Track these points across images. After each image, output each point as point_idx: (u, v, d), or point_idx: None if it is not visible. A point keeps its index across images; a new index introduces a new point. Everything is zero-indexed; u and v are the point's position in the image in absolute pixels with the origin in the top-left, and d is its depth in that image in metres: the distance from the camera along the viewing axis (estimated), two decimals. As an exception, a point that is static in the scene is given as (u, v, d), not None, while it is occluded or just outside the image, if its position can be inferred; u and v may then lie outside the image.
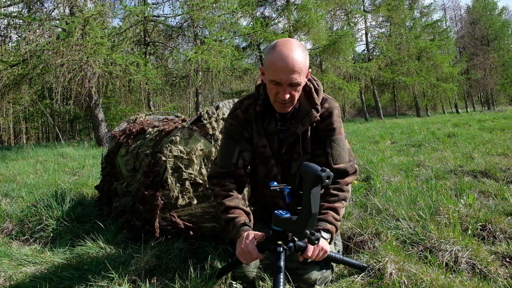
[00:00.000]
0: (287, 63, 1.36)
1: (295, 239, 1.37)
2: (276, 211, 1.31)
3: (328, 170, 1.14)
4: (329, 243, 1.49)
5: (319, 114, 1.54)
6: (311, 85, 1.57)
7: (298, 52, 1.39)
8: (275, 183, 1.39)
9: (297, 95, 1.48)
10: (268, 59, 1.42)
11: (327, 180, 1.13)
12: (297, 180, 1.28)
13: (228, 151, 1.59)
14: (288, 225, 1.29)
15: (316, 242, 1.28)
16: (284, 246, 1.34)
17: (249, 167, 1.63)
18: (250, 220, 1.51)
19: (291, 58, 1.37)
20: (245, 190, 1.92)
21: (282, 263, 1.30)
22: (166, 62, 13.58)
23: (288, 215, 1.29)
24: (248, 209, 1.56)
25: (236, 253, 1.41)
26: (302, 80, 1.44)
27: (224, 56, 10.42)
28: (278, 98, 1.46)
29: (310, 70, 1.50)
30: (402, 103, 31.79)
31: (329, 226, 1.47)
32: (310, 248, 1.38)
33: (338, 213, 1.51)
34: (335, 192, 1.54)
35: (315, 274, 1.48)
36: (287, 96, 1.43)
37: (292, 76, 1.38)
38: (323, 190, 1.53)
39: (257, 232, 1.40)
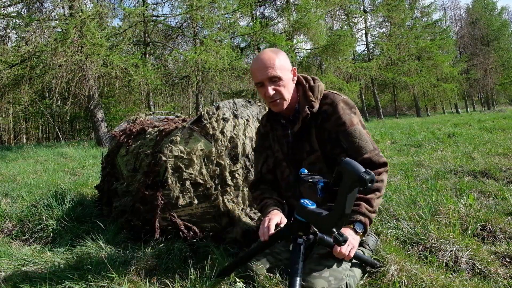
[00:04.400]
0: (259, 62, 1.52)
1: (317, 231, 1.32)
2: (302, 200, 1.25)
3: (372, 173, 1.07)
4: (362, 236, 1.46)
5: (323, 110, 1.56)
6: (307, 84, 1.62)
7: (269, 53, 1.53)
8: (306, 170, 1.33)
9: (284, 91, 1.53)
10: (250, 70, 1.58)
11: (369, 184, 1.07)
12: (334, 175, 1.20)
13: (255, 162, 1.81)
14: (313, 218, 1.23)
15: (343, 243, 1.24)
16: (305, 238, 1.29)
17: (275, 171, 1.73)
18: (283, 209, 1.59)
19: (261, 58, 1.52)
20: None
21: (301, 255, 1.26)
22: (166, 62, 13.59)
23: (313, 207, 1.24)
24: (282, 201, 1.66)
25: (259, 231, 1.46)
26: (282, 74, 1.52)
27: (222, 57, 10.42)
28: (267, 97, 1.54)
29: (294, 68, 1.60)
30: (402, 103, 31.81)
31: (362, 218, 1.43)
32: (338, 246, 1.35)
33: (371, 205, 1.46)
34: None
35: (321, 282, 1.37)
36: (271, 91, 1.52)
37: (267, 72, 1.49)
38: None
39: (282, 216, 1.48)
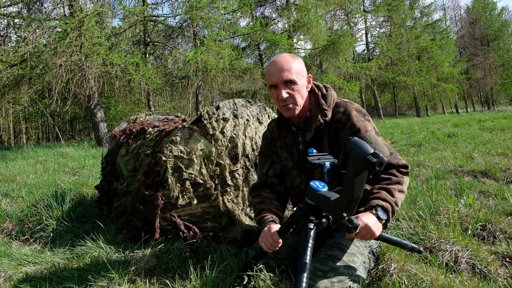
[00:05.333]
0: (276, 64, 1.52)
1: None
2: (312, 183, 1.18)
3: (381, 155, 0.98)
4: (385, 226, 1.35)
5: (336, 119, 1.53)
6: (319, 92, 1.60)
7: (286, 57, 1.54)
8: (315, 150, 1.24)
9: (297, 96, 1.52)
10: (265, 72, 1.57)
11: (377, 168, 0.97)
12: (341, 157, 1.12)
13: (260, 165, 1.76)
14: (322, 202, 1.15)
15: (353, 230, 1.17)
16: (316, 221, 1.22)
17: (282, 178, 1.70)
18: (280, 223, 1.53)
19: (279, 60, 1.53)
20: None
21: (311, 242, 1.19)
22: (166, 62, 13.59)
23: (325, 189, 1.16)
24: (281, 213, 1.60)
25: (258, 239, 1.45)
26: (296, 79, 1.50)
27: (222, 57, 10.42)
28: (280, 100, 1.52)
29: (310, 75, 1.58)
30: (402, 103, 31.81)
31: (383, 203, 1.33)
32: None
33: (392, 194, 1.37)
34: (386, 176, 1.43)
35: (324, 282, 1.33)
36: (285, 95, 1.50)
37: (282, 74, 1.49)
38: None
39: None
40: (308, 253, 1.19)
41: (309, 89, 1.60)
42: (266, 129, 1.81)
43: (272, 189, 1.71)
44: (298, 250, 1.45)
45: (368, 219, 1.28)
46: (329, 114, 1.54)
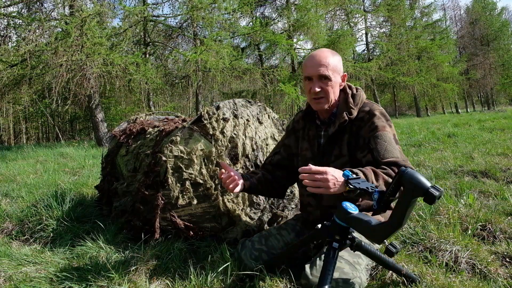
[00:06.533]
0: (314, 58, 1.57)
1: (355, 237, 1.26)
2: (343, 204, 1.19)
3: (442, 189, 1.02)
4: (348, 191, 1.27)
5: (359, 117, 1.58)
6: (350, 91, 1.66)
7: (326, 52, 1.58)
8: (350, 173, 1.21)
9: (330, 91, 1.57)
10: (302, 64, 1.67)
11: (437, 200, 1.00)
12: (393, 185, 1.13)
13: (272, 150, 1.93)
14: (359, 225, 1.16)
15: (395, 255, 1.21)
16: (342, 242, 1.23)
17: (278, 165, 1.84)
18: (250, 176, 1.72)
19: (318, 55, 1.57)
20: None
21: (335, 260, 1.20)
22: (166, 62, 13.59)
23: (357, 212, 1.18)
24: (254, 174, 1.77)
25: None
26: (332, 75, 1.55)
27: (222, 57, 10.42)
28: (312, 93, 1.58)
29: (345, 74, 1.63)
30: (402, 103, 31.82)
31: (360, 173, 1.31)
32: None
33: (377, 178, 1.34)
34: (384, 169, 1.40)
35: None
36: (317, 89, 1.55)
37: (319, 69, 1.54)
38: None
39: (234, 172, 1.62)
40: (330, 273, 1.19)
41: (342, 87, 1.65)
42: (291, 119, 1.92)
43: (268, 171, 1.83)
44: (296, 249, 1.45)
45: (332, 170, 1.26)
46: (355, 113, 1.59)
